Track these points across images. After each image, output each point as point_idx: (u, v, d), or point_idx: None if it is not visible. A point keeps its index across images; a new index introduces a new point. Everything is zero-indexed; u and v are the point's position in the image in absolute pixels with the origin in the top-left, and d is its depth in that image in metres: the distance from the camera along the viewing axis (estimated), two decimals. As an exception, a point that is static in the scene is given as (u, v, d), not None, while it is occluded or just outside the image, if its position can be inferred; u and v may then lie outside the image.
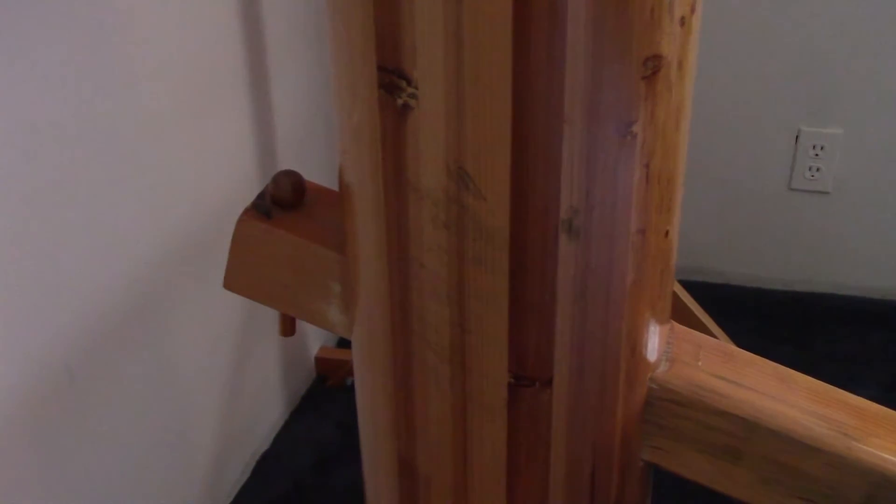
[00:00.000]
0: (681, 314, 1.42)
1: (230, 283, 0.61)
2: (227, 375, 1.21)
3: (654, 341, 0.55)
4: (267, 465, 1.31)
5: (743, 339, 1.54)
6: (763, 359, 0.63)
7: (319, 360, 1.50)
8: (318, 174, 0.55)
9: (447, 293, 0.49)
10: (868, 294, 1.75)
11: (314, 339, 1.50)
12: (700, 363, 0.58)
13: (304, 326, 1.43)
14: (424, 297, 0.50)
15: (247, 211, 0.58)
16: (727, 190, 1.74)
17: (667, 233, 0.52)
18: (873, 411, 0.60)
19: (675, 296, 1.41)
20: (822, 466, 0.55)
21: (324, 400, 1.44)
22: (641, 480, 0.59)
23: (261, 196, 0.59)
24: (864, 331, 1.66)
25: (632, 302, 0.51)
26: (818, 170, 1.68)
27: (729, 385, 0.57)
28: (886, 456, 0.55)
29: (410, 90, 0.45)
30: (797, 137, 1.66)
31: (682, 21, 0.45)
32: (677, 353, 0.58)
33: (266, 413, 1.36)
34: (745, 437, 0.56)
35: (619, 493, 0.57)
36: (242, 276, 0.60)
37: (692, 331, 0.62)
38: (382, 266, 0.50)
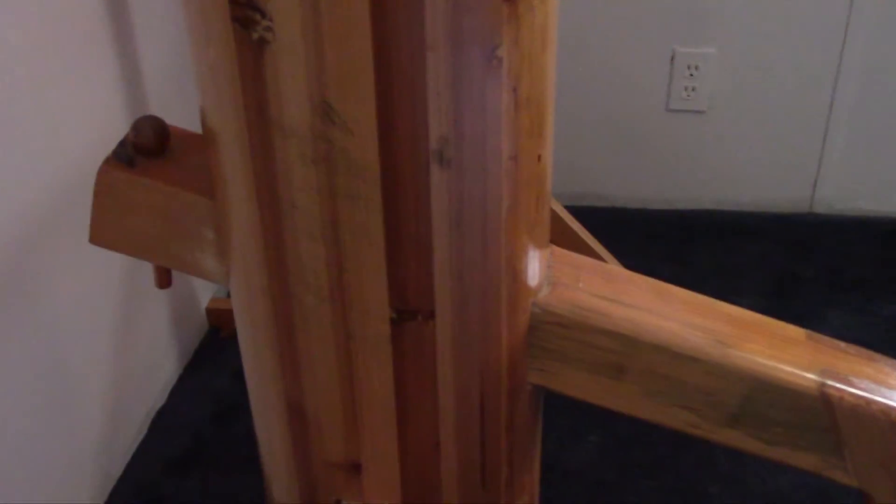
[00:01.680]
0: (568, 239, 1.45)
1: (97, 238, 0.58)
2: (112, 334, 1.17)
3: (535, 266, 0.55)
4: (164, 421, 1.28)
5: (630, 259, 1.59)
6: (642, 276, 0.64)
7: (210, 312, 1.47)
8: (193, 120, 0.52)
9: (322, 232, 0.48)
10: (745, 208, 1.82)
11: (203, 290, 1.47)
12: (581, 284, 0.59)
13: (192, 278, 1.39)
14: (299, 238, 0.48)
15: (107, 160, 0.56)
16: (607, 114, 1.77)
17: (539, 157, 0.52)
18: (747, 319, 0.62)
19: (561, 221, 1.43)
20: (700, 375, 0.57)
21: (218, 351, 1.42)
22: (531, 403, 0.60)
23: (122, 144, 0.56)
24: (743, 243, 1.73)
25: (509, 228, 0.51)
26: (693, 89, 1.72)
27: (609, 304, 0.58)
28: (760, 360, 0.57)
29: (265, 23, 0.43)
30: (672, 58, 1.69)
31: (541, -60, 0.45)
32: (558, 276, 0.59)
33: (159, 369, 1.33)
34: (627, 352, 0.57)
35: (510, 417, 0.58)
36: (109, 229, 0.58)
37: (572, 253, 0.63)
38: (253, 209, 0.49)
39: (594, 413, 1.29)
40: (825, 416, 0.57)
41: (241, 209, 0.50)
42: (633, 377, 0.58)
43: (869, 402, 0.57)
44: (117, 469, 1.19)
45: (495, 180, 0.48)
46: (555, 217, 1.41)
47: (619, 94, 1.74)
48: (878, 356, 0.63)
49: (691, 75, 1.71)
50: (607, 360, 0.57)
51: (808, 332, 0.62)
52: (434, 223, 0.48)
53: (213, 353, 1.42)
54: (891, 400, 0.57)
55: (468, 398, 0.55)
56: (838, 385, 0.57)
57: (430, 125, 0.45)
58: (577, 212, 1.50)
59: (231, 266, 0.54)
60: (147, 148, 0.56)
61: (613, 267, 0.64)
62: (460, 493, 0.58)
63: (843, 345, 0.63)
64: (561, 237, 1.41)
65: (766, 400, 0.57)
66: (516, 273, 0.53)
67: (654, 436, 1.23)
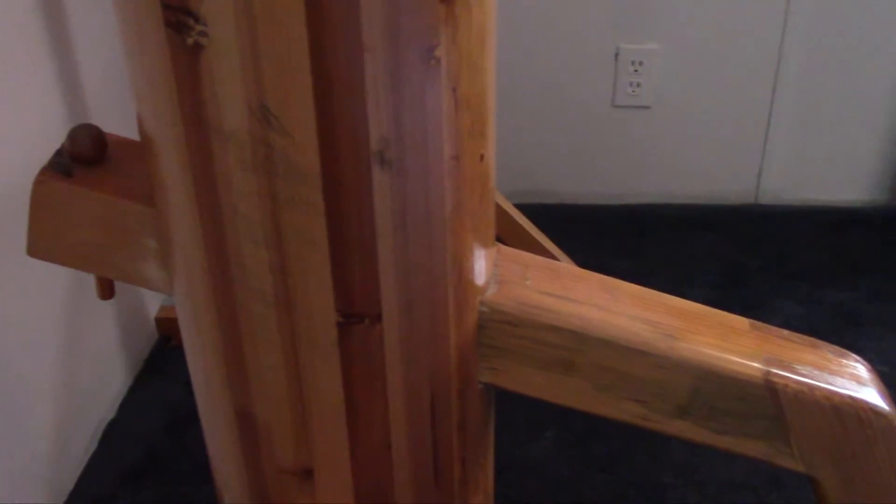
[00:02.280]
0: (519, 238, 1.45)
1: (35, 250, 0.57)
2: (59, 346, 1.15)
3: (481, 265, 0.56)
4: (115, 433, 1.26)
5: (582, 255, 1.60)
6: (589, 272, 0.65)
7: (160, 321, 1.45)
8: (134, 127, 0.51)
9: (264, 237, 0.47)
10: (693, 201, 1.84)
11: (152, 299, 1.44)
12: (528, 282, 0.59)
13: (139, 288, 1.37)
14: (241, 244, 0.48)
15: (43, 171, 0.55)
16: (554, 112, 1.78)
17: (482, 157, 0.52)
18: (693, 311, 0.63)
19: (511, 220, 1.44)
20: (649, 368, 0.58)
21: (169, 361, 1.40)
22: (482, 401, 0.60)
23: (58, 153, 0.55)
24: (692, 236, 1.75)
25: (453, 228, 0.51)
26: (638, 85, 1.74)
27: (557, 300, 0.58)
28: (707, 351, 0.58)
29: (199, 28, 0.42)
30: (616, 55, 1.71)
31: (475, -60, 0.45)
32: (505, 274, 0.59)
33: (108, 381, 1.31)
34: (576, 348, 0.57)
35: (461, 416, 0.58)
36: (47, 240, 0.56)
37: (519, 251, 0.63)
38: (194, 216, 0.48)
39: (549, 409, 1.29)
40: (770, 403, 0.57)
41: (182, 217, 0.49)
42: (582, 372, 0.58)
43: (812, 388, 0.58)
44: (69, 483, 1.17)
45: (438, 181, 0.48)
46: (505, 216, 1.42)
47: (565, 92, 1.75)
48: (820, 343, 0.64)
49: (636, 71, 1.72)
50: (556, 356, 0.57)
51: (752, 321, 0.63)
52: (378, 225, 0.47)
53: (163, 363, 1.40)
54: (833, 385, 0.58)
55: (418, 399, 0.55)
56: (782, 373, 0.58)
57: (371, 127, 0.45)
58: (527, 210, 1.50)
59: (174, 275, 0.54)
60: (84, 157, 0.55)
61: (561, 264, 0.64)
62: (413, 493, 0.58)
63: (786, 333, 0.64)
64: (512, 236, 1.41)
65: (714, 390, 0.58)
66: (463, 273, 0.53)
67: (609, 430, 1.24)
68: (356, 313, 0.50)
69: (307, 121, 0.44)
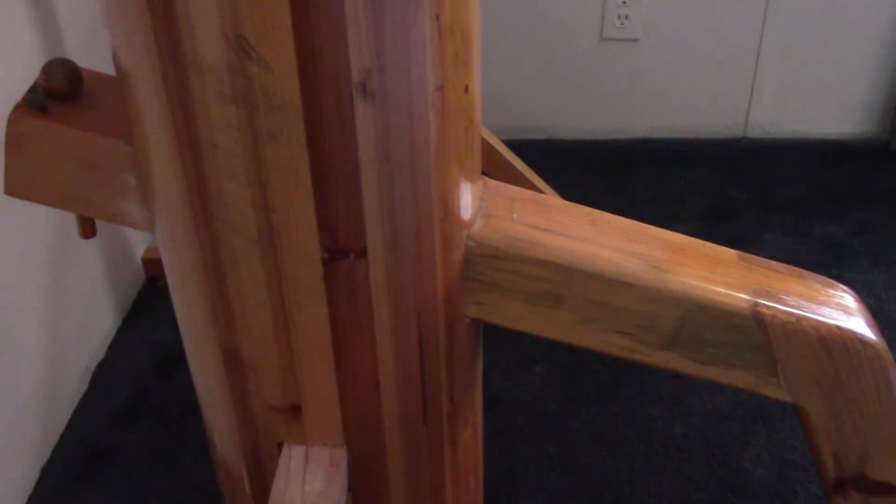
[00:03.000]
0: (506, 173, 1.44)
1: (13, 189, 0.56)
2: (45, 290, 1.14)
3: (467, 199, 0.55)
4: (105, 375, 1.27)
5: (569, 190, 1.59)
6: (576, 205, 0.64)
7: (147, 262, 1.44)
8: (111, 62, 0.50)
9: (245, 172, 0.46)
10: (681, 135, 1.83)
11: (138, 239, 1.44)
12: (515, 216, 0.59)
13: (125, 228, 1.36)
14: (222, 180, 0.47)
15: (17, 107, 0.53)
16: (542, 46, 1.75)
17: (466, 88, 0.51)
18: (681, 243, 0.62)
19: (498, 155, 1.43)
20: (636, 300, 0.57)
21: (156, 301, 1.40)
22: (470, 336, 0.60)
23: (32, 90, 0.54)
24: (680, 170, 1.74)
25: (438, 161, 0.50)
26: (627, 17, 1.71)
27: (544, 234, 0.58)
28: (694, 283, 0.58)
29: (172, -45, 0.41)
30: (604, -14, 1.68)
31: None
32: (492, 208, 0.58)
33: (96, 323, 1.30)
34: (563, 281, 0.57)
35: (449, 352, 0.58)
36: (25, 179, 0.55)
37: (506, 185, 0.62)
38: (173, 151, 0.47)
39: (538, 344, 1.30)
40: (758, 334, 0.57)
41: (161, 152, 0.48)
42: (569, 306, 0.58)
43: (799, 318, 0.58)
44: (60, 425, 1.17)
45: (422, 112, 0.47)
46: (492, 151, 1.41)
47: (553, 25, 1.73)
48: (807, 273, 0.64)
49: (624, 3, 1.70)
50: (543, 289, 0.57)
51: (740, 252, 0.63)
52: (361, 159, 0.46)
53: (151, 304, 1.40)
54: (820, 316, 0.58)
55: (406, 335, 0.54)
56: (770, 303, 0.58)
57: (352, 57, 0.44)
58: (514, 145, 1.49)
59: (155, 212, 0.53)
60: (59, 93, 0.54)
61: (547, 197, 0.63)
62: (402, 429, 0.58)
63: (774, 264, 0.63)
64: (498, 171, 1.40)
65: (701, 321, 0.58)
66: (448, 206, 0.52)
67: (597, 364, 1.25)
68: (341, 249, 0.49)
69: (286, 51, 0.43)
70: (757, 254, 0.64)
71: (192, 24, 0.43)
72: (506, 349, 1.27)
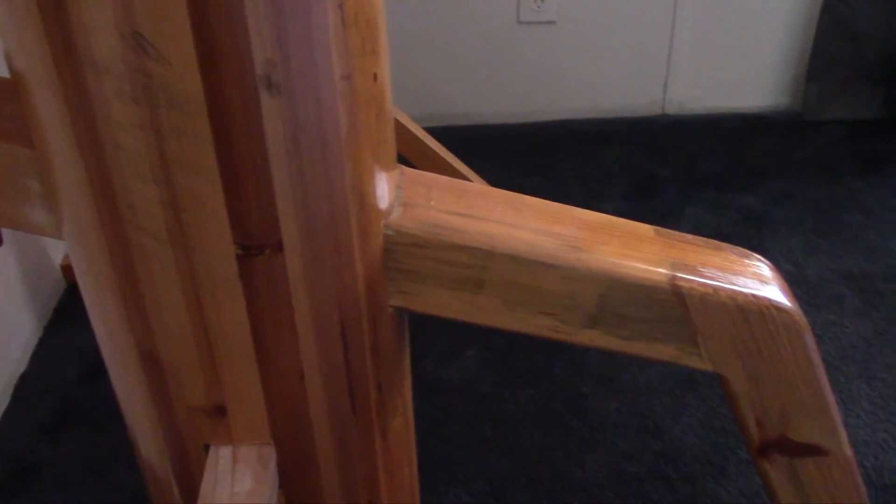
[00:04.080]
0: (430, 161, 1.44)
1: None
2: (-41, 302, 1.10)
3: (383, 187, 0.54)
4: (28, 386, 1.23)
5: (495, 175, 1.60)
6: (494, 188, 0.64)
7: (66, 268, 1.41)
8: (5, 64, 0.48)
9: (151, 172, 0.45)
10: (602, 115, 1.85)
11: (56, 246, 1.40)
12: (433, 203, 0.58)
13: (42, 237, 1.32)
14: (128, 180, 0.46)
15: None
16: (460, 33, 1.75)
17: (375, 76, 0.50)
18: (599, 221, 0.63)
19: (421, 144, 1.43)
20: (557, 280, 0.58)
21: (78, 308, 1.36)
22: (394, 325, 0.60)
23: (-76, 96, 0.52)
24: (603, 149, 1.76)
25: (350, 152, 0.49)
26: (542, 0, 1.72)
27: (463, 219, 0.58)
28: (613, 260, 0.59)
29: (58, -50, 0.39)
30: (518, -30, 1.69)
31: None
32: (409, 196, 0.58)
33: (17, 333, 1.27)
34: (484, 265, 0.57)
35: (373, 342, 0.58)
36: (-79, 189, 0.53)
37: (423, 172, 0.62)
38: (74, 154, 0.46)
39: (470, 330, 1.31)
40: (677, 307, 0.58)
41: (63, 155, 0.47)
42: (491, 290, 0.58)
43: (717, 289, 0.59)
44: (-17, 441, 1.14)
45: (329, 103, 0.47)
46: (414, 140, 1.40)
47: (469, 10, 1.73)
48: (723, 245, 0.65)
49: (539, -14, 1.71)
50: (465, 275, 0.57)
51: (657, 228, 0.64)
52: (270, 153, 0.46)
53: (73, 311, 1.36)
54: (737, 285, 0.60)
55: (328, 327, 0.54)
56: (688, 276, 0.59)
57: (254, 49, 0.43)
58: (437, 133, 1.49)
59: (62, 217, 0.51)
60: (-47, 98, 0.52)
61: (466, 182, 0.63)
62: (331, 421, 0.57)
63: (690, 237, 0.65)
64: (422, 160, 1.40)
65: (621, 298, 0.59)
66: (364, 196, 0.52)
67: (529, 345, 1.26)
68: (256, 245, 0.48)
69: (185, 46, 0.42)
70: (680, 228, 0.65)
71: (84, 22, 0.41)
72: (438, 336, 1.27)
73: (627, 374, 1.19)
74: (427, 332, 1.26)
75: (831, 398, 0.63)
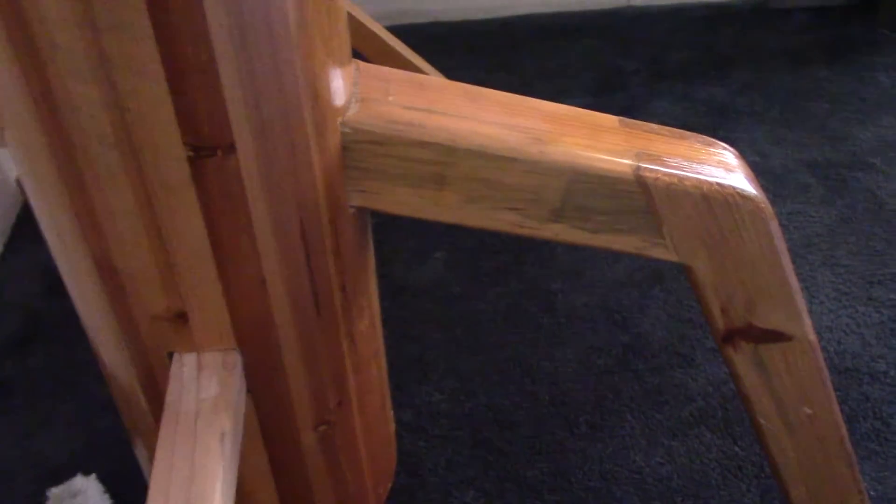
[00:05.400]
0: (392, 60, 1.41)
1: None
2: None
3: (338, 83, 0.53)
4: (-8, 304, 1.22)
5: (459, 73, 1.57)
6: (453, 82, 0.62)
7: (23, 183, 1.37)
8: None
9: (91, 71, 0.43)
10: (566, 8, 1.81)
11: (10, 161, 1.36)
12: (391, 98, 0.57)
13: (-7, 149, 1.28)
14: (67, 81, 0.44)
15: None
16: (418, -77, 1.69)
17: (324, -37, 0.48)
18: (562, 113, 0.62)
19: (383, 43, 1.39)
20: (520, 174, 0.57)
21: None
22: (356, 225, 0.59)
23: None
24: (568, 44, 1.73)
25: (301, 45, 0.47)
26: None
27: (422, 114, 0.56)
28: (576, 152, 0.58)
29: None
30: None
31: None
32: (366, 92, 0.56)
33: (-25, 250, 1.24)
34: (446, 161, 0.56)
35: (335, 243, 0.57)
36: None
37: (380, 67, 0.60)
38: (9, 53, 0.44)
39: (438, 231, 1.30)
40: (642, 197, 0.58)
41: (-3, 57, 0.44)
42: (454, 186, 0.57)
43: (682, 178, 0.58)
44: (-51, 359, 1.13)
45: (276, -8, 0.44)
46: (374, 38, 1.36)
47: None
48: (688, 134, 0.64)
49: None
50: (427, 172, 0.56)
51: (621, 118, 0.63)
52: (216, 47, 0.44)
53: (33, 226, 1.33)
54: (702, 174, 0.59)
55: (287, 229, 0.53)
56: (652, 166, 0.58)
57: (191, -64, 0.40)
58: (399, 31, 1.45)
59: (3, 122, 0.49)
60: None
61: (424, 76, 0.61)
62: (296, 324, 0.57)
63: (655, 127, 0.63)
64: (383, 58, 1.37)
65: (586, 190, 0.58)
66: (318, 92, 0.50)
67: (497, 244, 1.25)
68: (207, 146, 0.47)
69: (117, -67, 0.39)
70: (647, 121, 0.64)
71: None
72: (405, 238, 1.26)
73: (596, 269, 1.20)
74: (394, 234, 1.26)
75: (796, 285, 0.63)
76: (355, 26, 1.28)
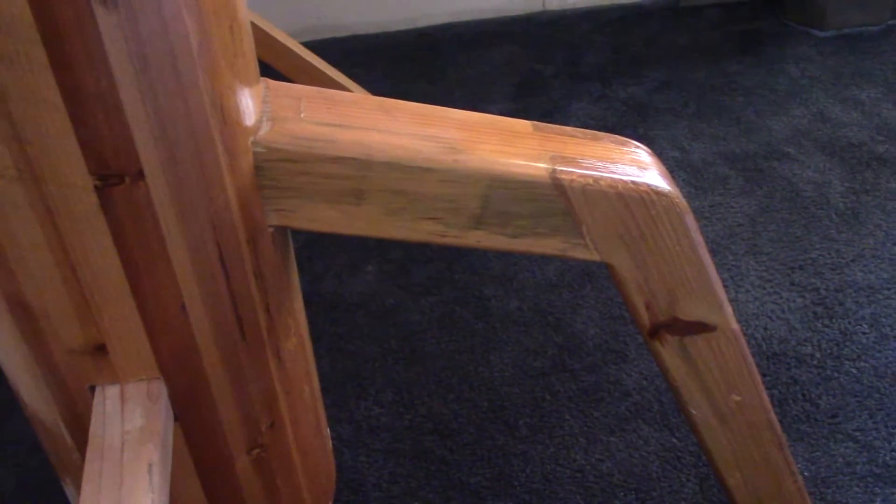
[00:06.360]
0: (310, 76, 1.40)
1: None
2: None
3: (247, 103, 0.52)
4: None
5: (380, 86, 1.57)
6: (366, 96, 0.62)
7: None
8: None
9: (-13, 105, 0.42)
10: (482, 16, 1.82)
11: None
12: (303, 115, 0.56)
13: None
14: (-38, 116, 0.42)
15: None
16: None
17: (223, -16, 0.47)
18: (475, 121, 0.62)
19: (300, 59, 1.38)
20: (437, 184, 0.57)
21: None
22: (276, 246, 0.58)
23: None
24: (486, 51, 1.74)
25: (205, 67, 0.47)
26: None
27: (335, 129, 0.56)
28: (492, 158, 0.58)
29: None
30: None
31: None
32: (277, 110, 0.56)
33: None
34: (362, 175, 0.56)
35: (256, 265, 0.56)
36: None
37: (290, 84, 0.60)
38: None
39: (368, 244, 1.29)
40: (559, 200, 0.58)
41: None
42: (372, 199, 0.57)
43: (597, 179, 0.59)
44: None
45: (175, 15, 0.44)
46: (291, 55, 1.36)
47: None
48: (602, 135, 0.66)
49: None
50: (343, 187, 0.56)
51: (535, 123, 0.64)
52: (116, 73, 0.43)
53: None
54: (616, 174, 0.60)
55: (205, 253, 0.52)
56: (567, 168, 0.59)
57: (82, -38, 0.40)
58: (318, 46, 1.45)
59: None
60: None
61: (336, 91, 0.61)
62: (220, 349, 0.56)
63: (568, 129, 0.64)
64: (302, 75, 1.36)
65: (504, 196, 0.58)
66: (226, 114, 0.50)
67: (428, 254, 1.25)
68: (113, 173, 0.46)
69: (3, -37, 0.38)
70: (568, 124, 0.65)
71: None
72: (335, 254, 1.25)
73: (527, 272, 1.21)
74: (324, 250, 1.25)
75: (715, 276, 0.64)
76: (270, 43, 1.28)
